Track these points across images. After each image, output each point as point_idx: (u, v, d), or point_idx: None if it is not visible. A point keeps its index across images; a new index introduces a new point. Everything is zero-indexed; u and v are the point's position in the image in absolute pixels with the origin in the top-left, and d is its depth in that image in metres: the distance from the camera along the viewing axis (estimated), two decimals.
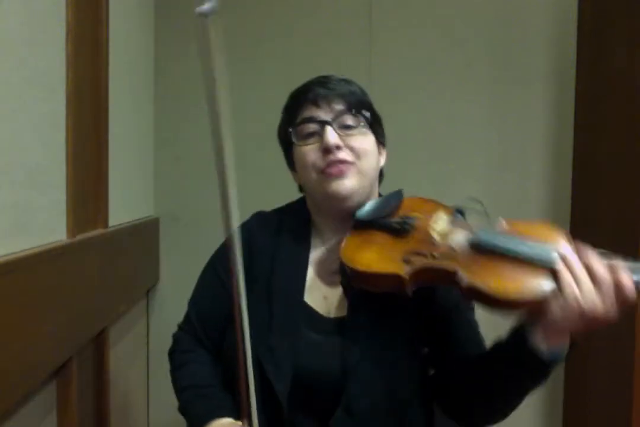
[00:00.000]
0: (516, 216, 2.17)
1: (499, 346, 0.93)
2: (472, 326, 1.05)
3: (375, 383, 0.96)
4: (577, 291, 0.80)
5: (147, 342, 2.03)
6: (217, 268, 1.12)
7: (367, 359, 0.96)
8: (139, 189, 1.90)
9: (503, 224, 0.95)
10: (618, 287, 0.79)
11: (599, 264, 0.81)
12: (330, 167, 0.99)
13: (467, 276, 0.86)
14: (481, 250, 0.90)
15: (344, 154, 1.00)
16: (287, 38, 2.04)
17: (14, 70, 0.93)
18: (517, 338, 0.87)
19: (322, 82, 1.04)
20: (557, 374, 2.07)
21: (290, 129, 1.04)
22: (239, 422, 0.95)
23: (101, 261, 1.36)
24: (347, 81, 1.06)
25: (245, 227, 1.11)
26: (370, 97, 1.09)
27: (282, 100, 1.12)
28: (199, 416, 1.00)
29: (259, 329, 0.97)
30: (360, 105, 1.04)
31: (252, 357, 0.90)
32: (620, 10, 1.76)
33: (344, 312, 1.01)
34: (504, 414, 0.97)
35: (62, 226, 1.14)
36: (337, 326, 1.01)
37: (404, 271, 0.89)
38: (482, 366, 0.95)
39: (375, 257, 0.94)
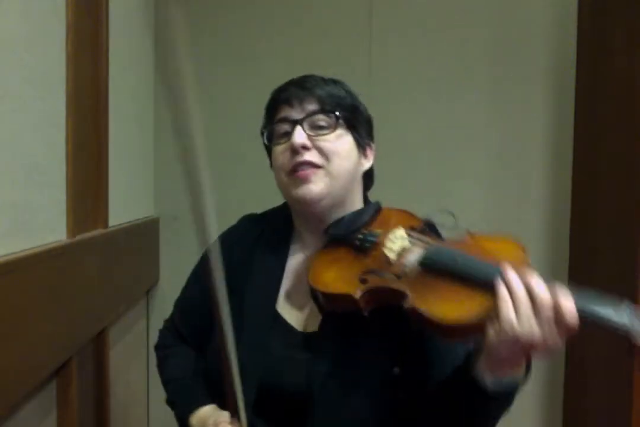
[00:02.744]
0: (516, 216, 2.18)
1: (450, 375, 0.88)
2: (449, 349, 0.92)
3: (340, 406, 0.92)
4: (512, 313, 0.75)
5: (147, 343, 2.03)
6: (200, 274, 1.11)
7: (332, 380, 0.92)
8: (139, 189, 1.90)
9: (466, 238, 0.90)
10: (557, 311, 0.74)
11: (541, 286, 0.76)
12: (297, 170, 0.96)
13: (413, 298, 0.82)
14: (429, 270, 0.86)
15: (310, 155, 0.96)
16: (287, 38, 2.04)
17: (13, 70, 0.93)
18: (464, 368, 0.83)
19: (300, 81, 1.01)
20: (557, 374, 2.08)
21: (265, 129, 1.03)
22: (222, 411, 0.97)
23: (101, 261, 1.36)
24: (328, 81, 1.03)
25: (230, 234, 1.12)
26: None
27: None
28: (183, 407, 1.04)
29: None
30: (336, 106, 0.99)
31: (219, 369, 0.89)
32: (620, 10, 1.76)
33: (316, 327, 0.98)
34: None
35: (62, 225, 1.14)
36: (307, 341, 0.98)
37: (356, 291, 0.86)
38: (438, 392, 0.90)
39: (334, 276, 0.91)
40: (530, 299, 0.75)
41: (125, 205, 1.66)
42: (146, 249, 1.96)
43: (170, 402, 1.10)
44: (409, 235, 0.93)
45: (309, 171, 0.96)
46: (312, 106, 0.98)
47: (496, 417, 0.88)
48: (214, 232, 0.82)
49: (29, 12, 0.99)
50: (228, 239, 1.06)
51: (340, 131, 0.99)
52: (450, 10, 2.04)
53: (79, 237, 1.20)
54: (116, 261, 1.52)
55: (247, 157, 2.02)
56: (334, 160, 0.97)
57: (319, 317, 0.98)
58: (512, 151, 2.06)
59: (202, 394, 1.04)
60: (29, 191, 1.00)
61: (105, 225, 1.42)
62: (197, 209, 0.78)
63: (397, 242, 0.92)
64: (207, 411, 1.01)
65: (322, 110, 0.98)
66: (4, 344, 0.86)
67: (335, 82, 1.04)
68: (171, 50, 0.70)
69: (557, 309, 0.74)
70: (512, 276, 0.77)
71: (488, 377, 0.79)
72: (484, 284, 0.79)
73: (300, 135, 0.96)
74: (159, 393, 1.18)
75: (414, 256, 0.89)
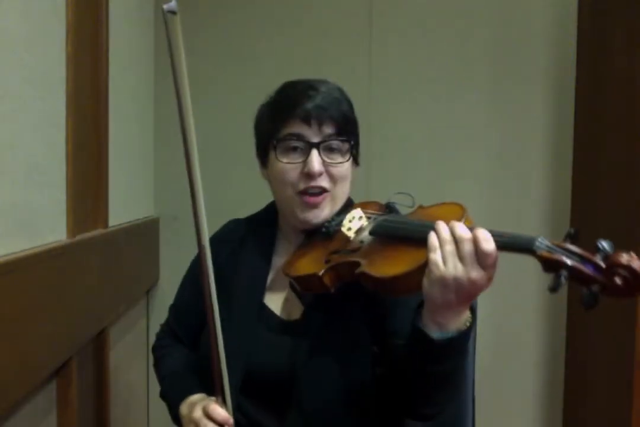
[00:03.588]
0: (516, 216, 2.18)
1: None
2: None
3: (321, 385, 0.97)
4: (438, 255, 0.81)
5: (147, 342, 2.03)
6: (193, 275, 1.17)
7: (314, 362, 0.97)
8: (139, 189, 1.90)
9: (417, 211, 0.99)
10: (475, 241, 0.79)
11: (463, 228, 0.81)
12: (309, 195, 1.01)
13: (364, 264, 0.90)
14: (379, 238, 0.94)
15: (323, 181, 1.01)
16: (287, 38, 2.04)
17: (13, 70, 0.93)
18: (413, 322, 0.87)
19: (313, 95, 1.01)
20: (557, 374, 2.08)
21: (275, 141, 1.03)
22: (211, 397, 1.00)
23: (101, 261, 1.36)
24: (335, 95, 1.04)
25: (217, 236, 1.17)
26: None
27: None
28: (175, 398, 1.08)
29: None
30: (349, 130, 1.04)
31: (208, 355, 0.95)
32: (620, 10, 1.76)
33: (299, 316, 1.05)
34: (436, 403, 0.93)
35: (62, 225, 1.14)
36: (290, 327, 1.04)
37: (320, 270, 0.94)
38: (400, 355, 0.93)
39: (305, 262, 0.99)
40: (454, 238, 0.81)
41: (125, 205, 1.66)
42: (146, 249, 1.96)
43: (163, 395, 1.13)
44: (366, 214, 1.01)
45: (320, 198, 1.02)
46: (329, 129, 1.02)
47: (452, 379, 0.90)
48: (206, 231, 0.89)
49: (29, 12, 0.99)
50: (215, 240, 1.11)
51: (346, 155, 1.04)
52: (450, 10, 2.04)
53: (79, 237, 1.20)
54: (116, 261, 1.52)
55: (247, 157, 2.02)
56: (339, 185, 1.04)
57: (302, 308, 1.04)
58: (512, 151, 2.06)
59: (192, 385, 1.08)
60: (29, 191, 1.00)
61: (105, 225, 1.42)
62: (194, 209, 0.83)
63: (356, 221, 1.00)
64: (196, 397, 1.05)
65: (338, 135, 1.02)
66: (4, 344, 0.86)
67: (338, 95, 1.05)
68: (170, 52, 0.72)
69: (475, 240, 0.79)
70: (441, 225, 0.83)
71: (433, 328, 0.84)
72: (422, 240, 0.84)
73: (318, 163, 1.00)
74: (158, 393, 1.19)
75: (368, 229, 0.97)
